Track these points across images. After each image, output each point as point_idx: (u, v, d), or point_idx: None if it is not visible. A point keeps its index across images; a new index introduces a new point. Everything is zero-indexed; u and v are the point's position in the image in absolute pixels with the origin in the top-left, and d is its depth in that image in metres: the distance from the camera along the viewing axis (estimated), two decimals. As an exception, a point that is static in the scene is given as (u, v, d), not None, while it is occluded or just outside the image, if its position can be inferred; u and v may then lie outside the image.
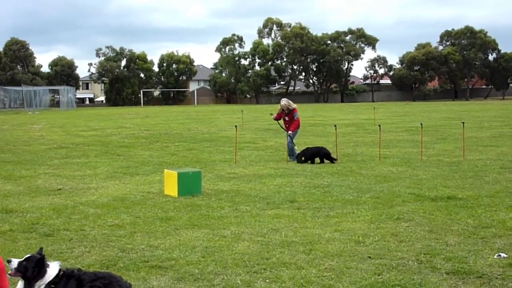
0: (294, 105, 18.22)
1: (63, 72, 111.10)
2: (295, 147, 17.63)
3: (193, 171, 11.89)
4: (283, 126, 18.42)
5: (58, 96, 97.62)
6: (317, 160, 16.58)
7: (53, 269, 4.72)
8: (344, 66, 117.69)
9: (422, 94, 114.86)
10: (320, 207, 10.06)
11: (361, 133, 27.05)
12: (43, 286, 4.62)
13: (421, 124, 18.84)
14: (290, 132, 17.76)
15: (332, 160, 16.46)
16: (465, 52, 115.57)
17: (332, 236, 7.97)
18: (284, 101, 18.37)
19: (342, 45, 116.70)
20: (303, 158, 16.69)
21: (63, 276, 4.70)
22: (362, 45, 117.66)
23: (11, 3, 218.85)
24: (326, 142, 22.43)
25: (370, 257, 6.94)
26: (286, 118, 18.04)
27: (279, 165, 15.98)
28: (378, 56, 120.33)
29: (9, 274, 4.79)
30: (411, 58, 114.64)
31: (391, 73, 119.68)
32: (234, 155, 17.33)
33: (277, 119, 18.53)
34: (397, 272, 6.38)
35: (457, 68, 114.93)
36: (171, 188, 11.43)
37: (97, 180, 13.62)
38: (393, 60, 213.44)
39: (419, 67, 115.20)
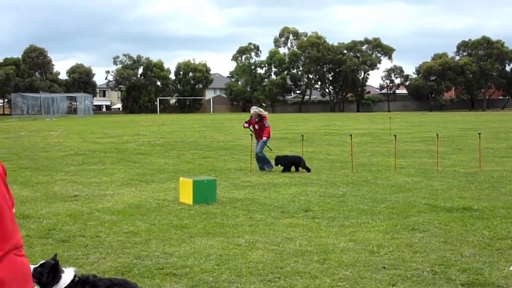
0: (265, 113, 18.03)
1: (81, 80, 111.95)
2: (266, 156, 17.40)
3: (208, 179, 11.94)
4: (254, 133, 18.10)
5: (75, 103, 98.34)
6: (293, 169, 16.79)
7: (68, 275, 4.75)
8: (360, 76, 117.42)
9: (439, 104, 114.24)
10: (334, 216, 10.05)
11: (377, 143, 26.97)
12: (58, 292, 4.66)
13: (437, 134, 18.75)
14: (264, 138, 17.55)
15: (308, 170, 16.51)
16: (482, 63, 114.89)
17: (346, 246, 7.97)
18: (254, 109, 18.15)
19: (358, 54, 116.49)
20: (278, 165, 16.78)
21: (78, 282, 4.73)
22: (379, 54, 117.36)
23: (30, 11, 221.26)
24: (341, 152, 22.42)
25: (384, 268, 6.92)
26: (256, 127, 17.78)
27: (294, 174, 15.98)
28: (394, 66, 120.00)
29: None
30: (428, 68, 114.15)
31: (407, 83, 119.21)
32: (250, 163, 17.37)
33: (247, 126, 18.17)
34: (411, 283, 6.36)
35: (473, 78, 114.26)
36: (186, 196, 11.47)
37: (113, 187, 13.71)
38: (410, 70, 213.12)
39: (435, 77, 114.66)
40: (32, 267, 4.71)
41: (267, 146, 17.86)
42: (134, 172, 16.55)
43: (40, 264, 4.70)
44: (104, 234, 8.76)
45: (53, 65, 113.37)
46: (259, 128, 17.69)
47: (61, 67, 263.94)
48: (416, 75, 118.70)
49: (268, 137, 17.74)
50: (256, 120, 17.71)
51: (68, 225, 9.39)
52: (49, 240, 8.41)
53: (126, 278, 5.72)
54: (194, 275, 6.69)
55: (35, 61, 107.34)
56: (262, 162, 17.17)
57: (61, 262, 6.92)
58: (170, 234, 8.79)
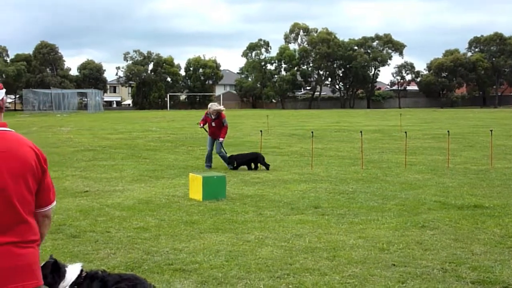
0: (223, 108, 17.06)
1: (91, 76, 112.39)
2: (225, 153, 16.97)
3: (218, 175, 11.95)
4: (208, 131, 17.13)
5: (86, 99, 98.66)
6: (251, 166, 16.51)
7: (73, 271, 4.75)
8: (371, 72, 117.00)
9: (450, 101, 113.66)
10: (344, 213, 10.03)
11: (387, 140, 26.88)
12: (67, 287, 4.67)
13: (448, 131, 18.67)
14: (220, 139, 16.71)
15: (267, 167, 16.23)
16: (494, 59, 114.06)
17: (356, 243, 7.95)
18: (214, 106, 16.93)
19: (369, 50, 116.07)
20: (235, 164, 16.39)
21: (86, 277, 4.74)
22: (389, 51, 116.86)
23: (42, 7, 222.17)
24: (351, 148, 22.37)
25: (394, 265, 6.90)
26: (213, 124, 16.74)
27: (304, 171, 15.96)
28: (405, 62, 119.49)
29: None
30: (439, 64, 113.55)
31: (418, 80, 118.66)
32: (259, 160, 17.33)
33: (202, 124, 17.11)
34: (421, 281, 6.33)
35: (485, 75, 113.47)
36: (196, 192, 11.49)
37: (123, 183, 13.75)
38: (421, 66, 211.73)
39: (447, 73, 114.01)
40: None
41: (221, 145, 16.98)
42: (144, 168, 16.59)
43: (42, 267, 4.70)
44: (114, 230, 8.79)
45: (64, 61, 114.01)
46: (216, 126, 16.74)
47: (72, 63, 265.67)
48: (427, 72, 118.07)
49: (224, 138, 16.91)
50: (213, 117, 16.65)
51: (79, 221, 9.43)
52: (59, 235, 8.44)
53: (135, 273, 5.73)
54: (203, 271, 6.70)
55: (46, 57, 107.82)
56: (224, 160, 16.74)
57: (71, 257, 7.00)
58: (179, 230, 8.81)
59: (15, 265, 3.02)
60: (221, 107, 16.91)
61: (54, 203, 3.38)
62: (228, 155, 16.88)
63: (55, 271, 4.65)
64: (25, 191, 3.10)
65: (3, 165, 3.03)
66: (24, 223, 3.10)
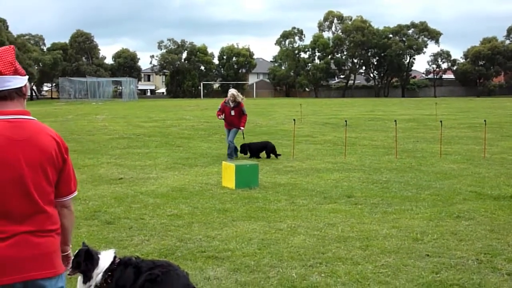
0: (242, 98, 16.31)
1: (126, 64, 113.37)
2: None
3: (250, 164, 11.98)
4: (230, 123, 16.18)
5: (120, 88, 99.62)
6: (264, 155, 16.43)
7: (106, 257, 4.81)
8: (406, 60, 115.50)
9: (487, 90, 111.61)
10: (378, 203, 9.96)
11: (422, 129, 26.55)
12: (100, 274, 4.73)
13: (485, 120, 18.34)
14: (242, 127, 16.21)
15: (276, 155, 16.18)
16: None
17: (389, 233, 7.89)
18: (232, 91, 16.26)
19: (404, 38, 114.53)
20: (247, 153, 16.29)
21: (120, 264, 4.80)
22: (425, 39, 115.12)
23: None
24: (385, 137, 22.17)
25: (428, 255, 6.83)
26: (232, 113, 16.02)
27: (337, 159, 15.88)
28: (441, 50, 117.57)
29: (69, 275, 4.92)
30: (476, 52, 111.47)
31: (454, 68, 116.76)
32: (292, 148, 17.33)
33: (220, 115, 16.21)
34: (455, 271, 6.26)
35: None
36: (229, 180, 11.54)
37: (157, 171, 13.88)
38: (457, 54, 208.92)
39: (484, 62, 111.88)
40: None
41: (243, 134, 16.77)
42: (177, 156, 16.71)
43: (75, 255, 4.77)
44: (148, 217, 8.89)
45: (99, 49, 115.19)
46: (235, 114, 16.06)
47: (107, 52, 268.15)
48: (463, 60, 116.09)
49: (244, 127, 16.41)
50: (232, 105, 16.02)
51: (113, 207, 9.56)
52: (94, 222, 8.58)
53: (168, 260, 5.78)
54: (235, 258, 6.73)
55: (81, 46, 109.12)
56: (232, 150, 16.12)
57: (105, 243, 7.10)
58: (212, 217, 8.86)
59: (33, 254, 3.01)
60: (241, 97, 16.19)
61: (75, 193, 3.33)
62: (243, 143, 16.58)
63: (88, 259, 4.72)
64: (43, 180, 3.08)
65: (20, 154, 3.01)
66: (42, 213, 3.07)
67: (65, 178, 3.22)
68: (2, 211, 2.97)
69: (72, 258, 4.79)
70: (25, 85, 3.17)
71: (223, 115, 16.11)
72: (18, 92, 3.11)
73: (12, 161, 2.99)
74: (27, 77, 3.20)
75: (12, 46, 3.19)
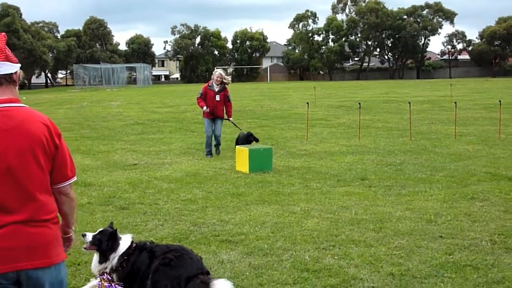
0: (229, 80, 13.88)
1: (140, 50, 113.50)
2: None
3: (264, 148, 12.00)
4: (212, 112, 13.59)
5: (134, 74, 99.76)
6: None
7: (125, 242, 4.90)
8: (421, 42, 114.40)
9: (503, 70, 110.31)
10: (391, 185, 9.95)
11: (437, 110, 26.38)
12: (117, 258, 4.81)
13: (500, 101, 18.17)
14: (231, 119, 14.12)
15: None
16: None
17: (403, 215, 7.89)
18: (221, 71, 13.82)
19: (418, 19, 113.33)
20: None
21: (136, 248, 4.88)
22: (440, 19, 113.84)
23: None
24: (400, 120, 22.07)
25: (441, 237, 6.83)
26: (217, 98, 13.48)
27: (351, 142, 15.85)
28: (456, 30, 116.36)
29: (84, 248, 4.98)
30: (492, 32, 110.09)
31: (469, 49, 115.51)
32: (306, 132, 17.32)
33: (201, 103, 13.59)
34: (469, 252, 6.25)
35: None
36: (242, 164, 11.57)
37: (171, 156, 13.94)
38: (472, 34, 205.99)
39: (500, 42, 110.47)
40: (91, 234, 4.89)
41: (234, 124, 14.95)
42: (191, 141, 16.77)
43: (99, 232, 4.86)
44: (162, 202, 8.96)
45: (112, 36, 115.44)
46: (220, 100, 13.56)
47: (121, 38, 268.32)
48: (479, 40, 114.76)
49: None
50: (217, 89, 13.52)
51: (128, 193, 9.64)
52: (109, 207, 8.66)
53: (182, 244, 5.84)
54: (249, 242, 6.77)
55: (95, 33, 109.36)
56: (218, 144, 14.05)
57: (120, 228, 7.15)
58: (226, 201, 8.91)
59: (25, 244, 2.97)
60: (229, 79, 13.86)
61: (72, 179, 3.25)
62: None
63: (111, 240, 4.81)
64: (34, 168, 3.03)
65: (9, 143, 2.96)
66: (34, 201, 3.02)
67: (59, 164, 3.15)
68: None
69: (94, 234, 4.88)
70: (16, 72, 3.12)
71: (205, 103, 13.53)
72: (7, 79, 3.07)
73: (0, 150, 2.95)
74: (18, 65, 3.15)
75: (3, 33, 3.14)
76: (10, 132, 2.98)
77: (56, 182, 3.17)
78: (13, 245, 2.94)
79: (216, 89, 13.51)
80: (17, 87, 3.17)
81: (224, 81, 13.55)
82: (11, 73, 3.11)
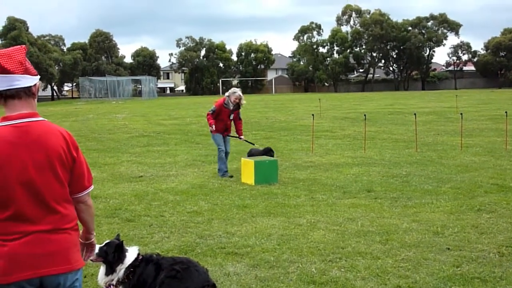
0: (244, 103, 13.31)
1: (145, 63, 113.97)
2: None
3: (269, 160, 11.99)
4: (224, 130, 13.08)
5: (140, 86, 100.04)
6: None
7: (132, 254, 4.89)
8: (426, 53, 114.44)
9: (508, 81, 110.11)
10: (398, 197, 9.92)
11: (442, 122, 26.33)
12: (123, 269, 4.80)
13: (506, 112, 18.13)
14: (242, 137, 13.58)
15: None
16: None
17: (409, 227, 7.85)
18: (239, 91, 13.03)
19: (423, 31, 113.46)
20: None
21: (142, 260, 4.87)
22: (445, 30, 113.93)
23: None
24: (405, 131, 22.03)
25: (449, 249, 6.79)
26: (231, 117, 13.02)
27: (357, 154, 15.82)
28: (461, 42, 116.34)
29: (91, 260, 4.98)
30: (497, 43, 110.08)
31: (475, 60, 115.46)
32: (311, 143, 17.30)
33: (212, 120, 12.80)
34: (477, 265, 6.21)
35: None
36: (248, 176, 11.56)
37: (177, 168, 13.95)
38: (478, 46, 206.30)
39: (505, 53, 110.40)
40: (97, 246, 4.87)
41: (247, 141, 14.71)
42: (197, 153, 16.78)
43: (106, 244, 4.85)
44: (168, 214, 8.94)
45: (118, 48, 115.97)
46: (234, 119, 13.18)
47: (126, 50, 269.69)
48: (484, 51, 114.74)
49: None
50: (231, 108, 12.94)
51: (134, 205, 9.63)
52: (115, 219, 8.65)
53: (189, 257, 5.82)
54: (255, 254, 6.75)
55: (101, 45, 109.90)
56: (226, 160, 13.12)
57: (126, 240, 7.12)
58: (232, 214, 8.89)
59: (47, 251, 3.05)
60: (244, 102, 13.31)
61: (89, 189, 3.36)
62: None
63: (118, 251, 4.80)
64: (54, 181, 3.10)
65: (28, 158, 3.02)
66: (56, 213, 3.11)
67: (77, 175, 3.24)
68: (15, 214, 3.01)
69: (101, 246, 4.87)
70: (35, 84, 3.15)
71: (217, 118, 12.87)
72: (26, 92, 3.10)
73: (19, 166, 3.00)
74: (38, 77, 3.18)
75: (23, 46, 3.18)
76: (30, 147, 3.04)
77: (75, 192, 3.27)
78: (36, 252, 3.03)
79: (231, 108, 12.90)
80: (35, 100, 3.20)
81: (241, 103, 13.04)
82: (30, 86, 3.13)
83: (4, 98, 3.08)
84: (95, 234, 3.63)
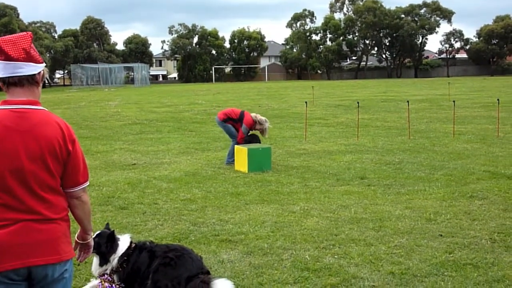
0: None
1: (137, 50, 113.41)
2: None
3: (263, 147, 11.98)
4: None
5: (132, 73, 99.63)
6: None
7: (124, 242, 4.88)
8: (418, 41, 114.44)
9: (501, 69, 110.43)
10: (391, 184, 9.96)
11: (435, 109, 26.39)
12: (117, 259, 4.80)
13: (498, 99, 18.18)
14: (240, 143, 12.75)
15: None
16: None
17: (402, 213, 7.89)
18: (268, 125, 12.84)
19: (416, 18, 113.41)
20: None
21: (135, 248, 4.87)
22: (437, 18, 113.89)
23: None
24: (398, 118, 22.08)
25: (441, 235, 6.83)
26: (249, 133, 13.01)
27: (350, 141, 15.85)
28: (454, 29, 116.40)
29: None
30: (489, 31, 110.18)
31: (467, 47, 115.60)
32: (305, 131, 17.31)
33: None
34: (469, 251, 6.26)
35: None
36: (241, 163, 11.57)
37: (170, 155, 13.93)
38: (470, 33, 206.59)
39: (497, 40, 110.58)
40: None
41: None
42: (190, 141, 16.76)
43: (97, 235, 4.83)
44: (162, 202, 8.95)
45: (110, 36, 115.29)
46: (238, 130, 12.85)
47: (118, 38, 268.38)
48: (476, 39, 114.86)
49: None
50: (254, 128, 12.86)
51: (127, 193, 9.63)
52: (108, 207, 8.65)
53: (182, 244, 5.84)
54: (249, 241, 6.77)
55: (92, 32, 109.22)
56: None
57: (120, 228, 7.15)
58: (225, 201, 8.90)
59: (35, 240, 3.00)
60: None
61: (84, 185, 3.26)
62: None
63: (110, 241, 4.79)
64: (43, 172, 3.04)
65: (21, 145, 2.98)
66: (45, 202, 3.05)
67: (71, 170, 3.15)
68: (3, 200, 2.97)
69: (92, 237, 4.86)
70: (39, 72, 3.10)
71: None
72: (29, 79, 3.05)
73: (10, 151, 2.96)
74: (43, 64, 3.11)
75: (29, 33, 3.11)
76: (23, 134, 2.99)
77: (68, 186, 3.19)
78: (24, 241, 2.97)
79: (255, 128, 12.65)
80: (39, 88, 3.15)
81: (264, 132, 12.87)
82: (34, 74, 3.08)
83: (7, 85, 3.05)
84: (92, 234, 3.53)
